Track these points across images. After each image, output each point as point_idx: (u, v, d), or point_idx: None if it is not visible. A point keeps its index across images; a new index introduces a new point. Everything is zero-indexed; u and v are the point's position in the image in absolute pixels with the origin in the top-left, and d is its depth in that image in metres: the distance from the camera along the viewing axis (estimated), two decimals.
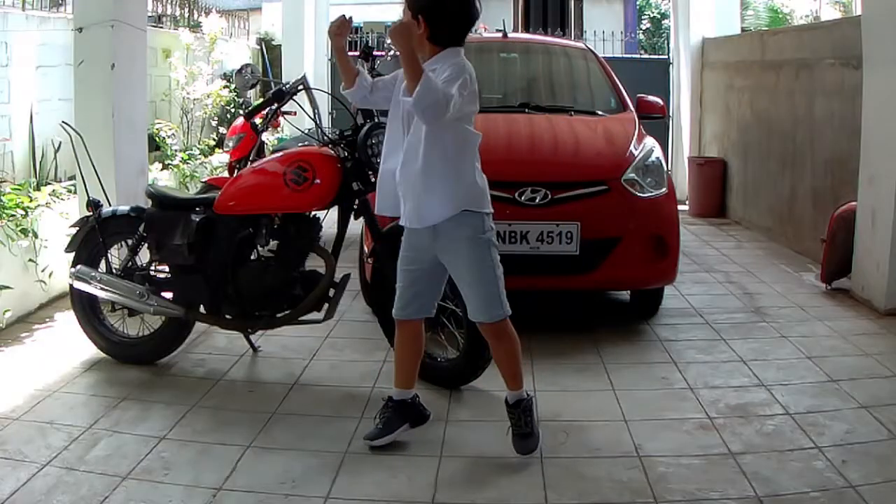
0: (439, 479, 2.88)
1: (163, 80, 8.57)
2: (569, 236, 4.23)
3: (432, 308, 3.21)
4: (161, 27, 10.00)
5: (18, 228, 4.50)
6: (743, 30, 10.98)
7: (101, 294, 3.91)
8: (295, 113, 4.64)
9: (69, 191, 5.16)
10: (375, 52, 4.11)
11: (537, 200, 4.25)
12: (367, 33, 13.14)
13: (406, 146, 2.96)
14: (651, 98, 5.43)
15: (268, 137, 7.69)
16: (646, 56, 14.78)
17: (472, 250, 2.98)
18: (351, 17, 3.10)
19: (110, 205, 4.14)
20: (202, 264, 3.75)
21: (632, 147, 4.59)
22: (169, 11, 10.90)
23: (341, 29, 3.07)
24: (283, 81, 5.41)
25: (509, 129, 4.81)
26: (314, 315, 3.71)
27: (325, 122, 6.68)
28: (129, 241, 3.96)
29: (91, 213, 3.96)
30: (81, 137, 4.34)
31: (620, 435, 3.23)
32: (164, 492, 2.77)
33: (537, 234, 4.21)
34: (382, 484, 2.84)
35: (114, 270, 3.94)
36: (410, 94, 2.72)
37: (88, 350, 4.02)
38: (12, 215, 4.55)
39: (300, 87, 4.07)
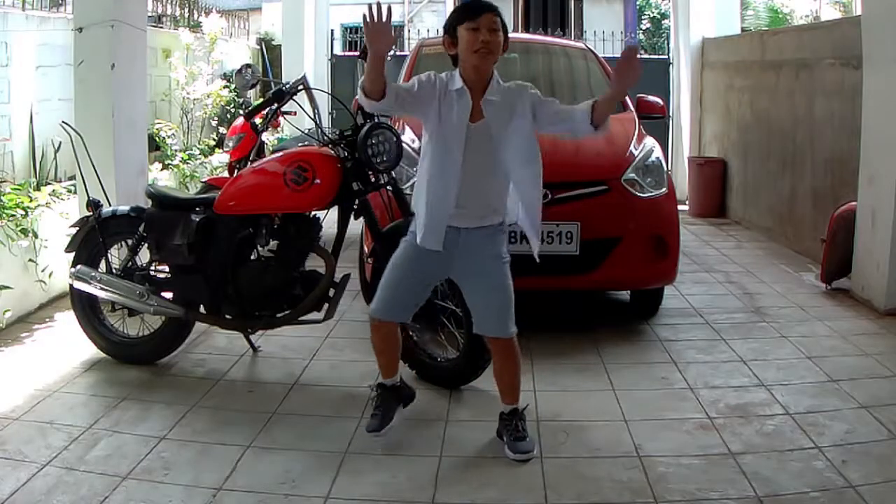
0: (439, 479, 2.88)
1: (163, 80, 8.57)
2: (569, 236, 4.23)
3: (412, 314, 3.22)
4: (161, 27, 10.00)
5: (18, 228, 4.50)
6: (743, 30, 10.97)
7: (101, 294, 3.91)
8: (295, 113, 4.64)
9: (69, 191, 5.16)
10: None
11: None
12: None
13: (476, 164, 2.92)
14: (651, 98, 5.42)
15: (268, 137, 7.69)
16: (646, 56, 14.74)
17: (499, 268, 3.02)
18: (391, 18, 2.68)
19: (110, 205, 4.14)
20: (202, 264, 3.75)
21: (632, 147, 4.59)
22: (169, 11, 10.90)
23: (383, 31, 2.66)
24: (283, 81, 5.40)
25: None
26: (314, 315, 3.71)
27: (325, 122, 6.67)
28: (129, 241, 3.97)
29: (91, 213, 3.96)
30: (81, 137, 4.34)
31: (620, 435, 3.23)
32: (164, 492, 2.77)
33: None
34: (382, 484, 2.84)
35: (114, 270, 3.94)
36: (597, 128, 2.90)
37: (88, 350, 4.02)
38: (12, 215, 4.55)
39: (300, 87, 4.06)
